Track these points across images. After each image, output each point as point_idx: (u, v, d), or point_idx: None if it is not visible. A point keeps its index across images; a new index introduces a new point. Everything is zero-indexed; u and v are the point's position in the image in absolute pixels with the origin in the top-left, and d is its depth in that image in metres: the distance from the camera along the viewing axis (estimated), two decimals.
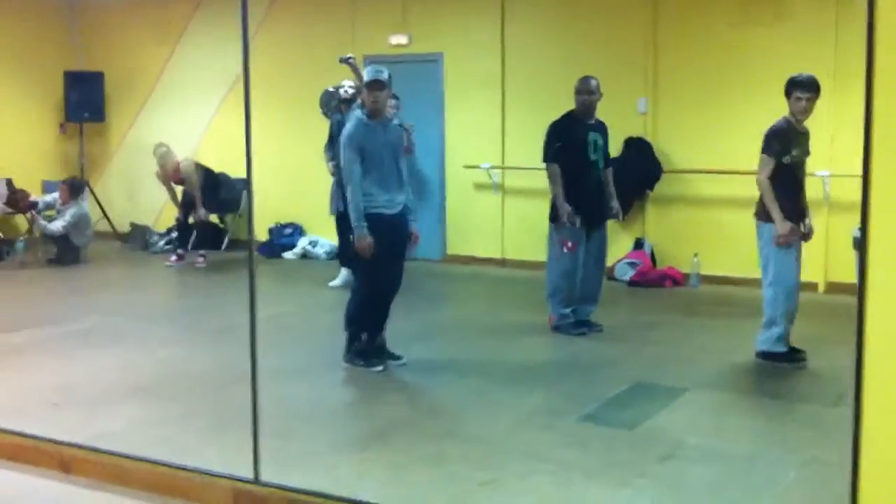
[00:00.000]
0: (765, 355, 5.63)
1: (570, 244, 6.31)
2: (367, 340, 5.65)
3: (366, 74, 5.54)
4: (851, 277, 7.54)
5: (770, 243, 5.54)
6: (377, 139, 5.42)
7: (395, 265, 5.59)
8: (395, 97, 8.55)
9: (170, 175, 9.62)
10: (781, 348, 5.62)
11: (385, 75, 5.42)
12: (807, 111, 5.58)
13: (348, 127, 5.49)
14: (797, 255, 5.61)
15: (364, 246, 5.32)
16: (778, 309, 5.58)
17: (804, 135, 5.68)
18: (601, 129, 6.46)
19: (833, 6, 7.68)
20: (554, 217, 6.38)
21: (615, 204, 6.47)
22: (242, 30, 3.67)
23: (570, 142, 6.31)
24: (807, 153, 5.71)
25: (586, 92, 6.34)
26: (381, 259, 5.41)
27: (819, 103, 7.53)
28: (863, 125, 2.34)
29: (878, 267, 2.39)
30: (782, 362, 5.60)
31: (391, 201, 5.45)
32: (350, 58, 7.58)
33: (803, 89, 5.54)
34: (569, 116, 6.43)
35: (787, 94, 5.62)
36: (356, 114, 5.52)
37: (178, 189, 9.75)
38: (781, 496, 3.82)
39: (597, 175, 6.39)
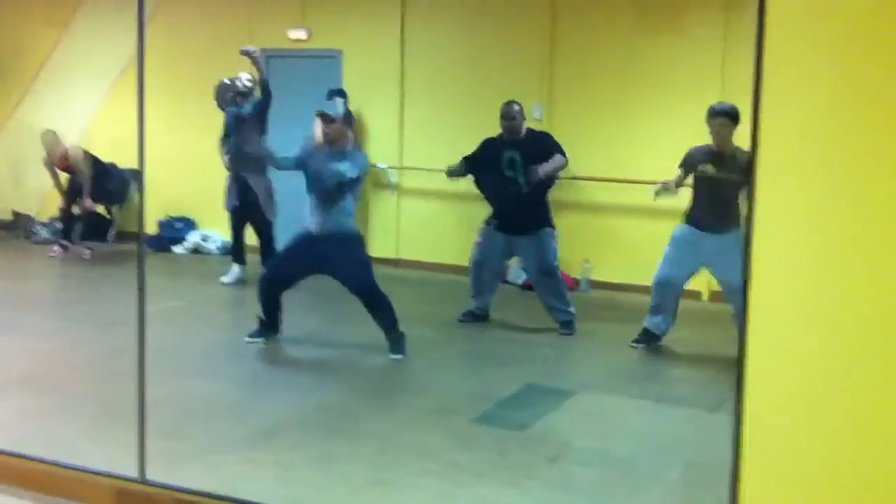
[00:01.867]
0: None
1: (478, 240, 6.93)
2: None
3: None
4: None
5: None
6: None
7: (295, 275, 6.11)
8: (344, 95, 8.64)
9: (56, 162, 9.30)
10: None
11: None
12: (720, 136, 6.10)
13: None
14: (674, 256, 6.15)
15: None
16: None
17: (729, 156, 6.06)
18: (523, 145, 6.71)
19: (722, 19, 7.93)
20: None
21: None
22: (138, 13, 3.56)
23: (486, 160, 6.79)
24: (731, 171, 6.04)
25: (507, 118, 6.75)
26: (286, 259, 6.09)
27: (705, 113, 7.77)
28: (749, 137, 2.43)
29: (760, 275, 2.48)
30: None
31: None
32: (253, 50, 7.46)
33: (711, 116, 6.16)
34: (493, 138, 6.90)
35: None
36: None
37: (64, 177, 9.44)
38: (664, 497, 3.93)
39: (515, 189, 6.67)
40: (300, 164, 6.02)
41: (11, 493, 3.73)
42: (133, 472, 3.68)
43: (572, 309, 6.68)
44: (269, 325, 6.11)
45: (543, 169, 6.60)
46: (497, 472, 4.09)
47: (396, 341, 5.86)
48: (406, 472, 4.03)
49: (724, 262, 5.94)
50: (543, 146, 6.74)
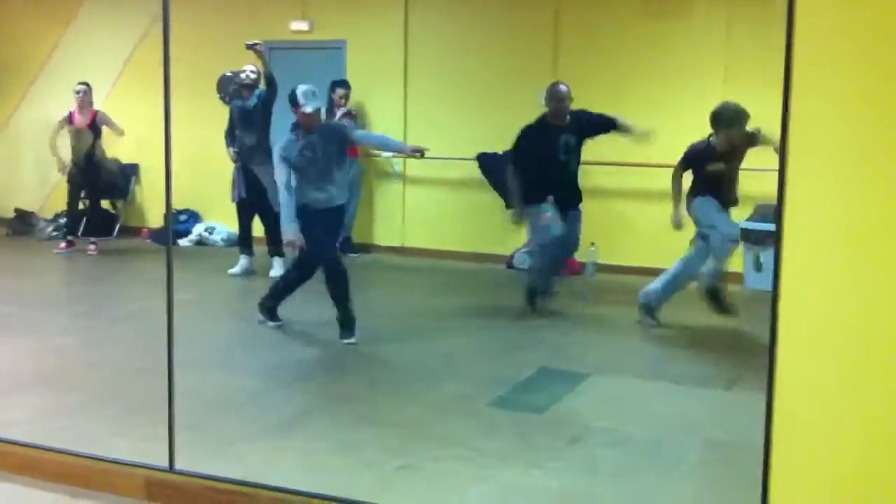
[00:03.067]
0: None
1: (542, 222, 6.66)
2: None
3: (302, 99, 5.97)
4: (738, 267, 7.92)
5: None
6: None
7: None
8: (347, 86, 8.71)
9: (80, 119, 9.20)
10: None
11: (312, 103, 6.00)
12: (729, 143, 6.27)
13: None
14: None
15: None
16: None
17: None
18: (574, 127, 6.68)
19: (725, 4, 7.97)
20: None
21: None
22: (163, 10, 3.59)
23: (538, 147, 6.62)
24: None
25: (557, 99, 6.61)
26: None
27: (709, 99, 7.82)
28: (780, 124, 2.47)
29: (790, 262, 2.52)
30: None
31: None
32: (257, 44, 7.52)
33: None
34: (540, 120, 6.73)
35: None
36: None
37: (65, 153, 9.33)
38: (687, 474, 3.99)
39: (568, 173, 6.72)
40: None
41: (43, 487, 3.78)
42: (163, 462, 3.73)
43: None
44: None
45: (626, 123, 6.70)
46: (519, 454, 4.14)
47: (347, 320, 5.91)
48: (431, 457, 4.07)
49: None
50: (592, 122, 6.73)
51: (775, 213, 2.50)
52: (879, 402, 2.47)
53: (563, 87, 6.65)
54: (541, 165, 6.62)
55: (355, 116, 9.04)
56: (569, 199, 6.71)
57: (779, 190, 2.47)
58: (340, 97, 8.86)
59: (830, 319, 2.50)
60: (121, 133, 9.13)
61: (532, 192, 6.58)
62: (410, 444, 4.24)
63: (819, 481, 2.58)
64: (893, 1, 2.33)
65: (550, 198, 6.61)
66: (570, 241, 6.79)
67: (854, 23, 2.38)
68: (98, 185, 9.29)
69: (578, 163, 6.75)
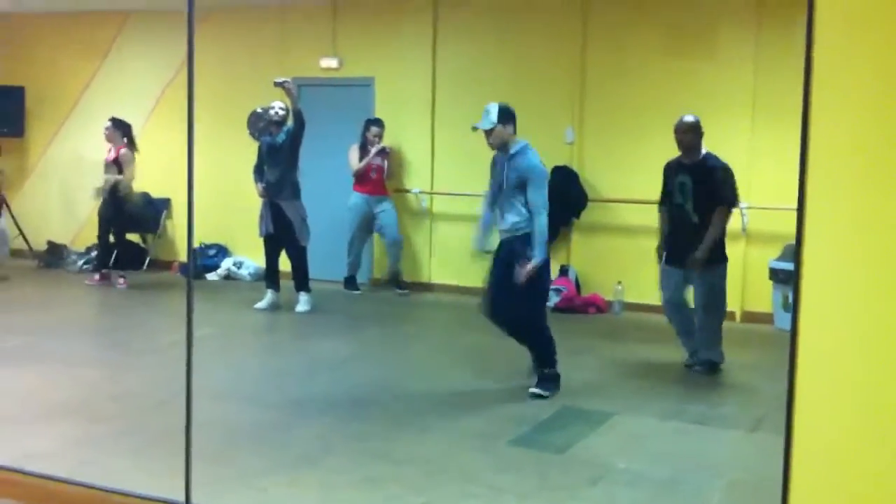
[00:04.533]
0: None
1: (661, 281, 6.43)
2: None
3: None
4: (767, 307, 7.85)
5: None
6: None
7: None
8: (380, 124, 9.00)
9: (110, 152, 9.31)
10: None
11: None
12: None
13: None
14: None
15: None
16: None
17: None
18: (696, 170, 6.15)
19: (752, 42, 7.97)
20: None
21: (698, 251, 6.09)
22: (188, 46, 3.65)
23: (666, 185, 6.38)
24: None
25: (678, 131, 6.20)
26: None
27: (738, 137, 7.84)
28: (781, 159, 2.46)
29: (810, 295, 2.50)
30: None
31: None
32: (286, 81, 7.62)
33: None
34: (677, 157, 6.33)
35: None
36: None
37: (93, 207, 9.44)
38: None
39: (686, 218, 6.17)
40: None
41: None
42: (179, 497, 3.73)
43: (720, 351, 6.27)
44: None
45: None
46: (539, 493, 4.11)
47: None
48: (449, 494, 4.05)
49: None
50: (715, 179, 6.11)
51: (794, 251, 2.49)
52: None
53: (686, 119, 6.21)
54: (667, 207, 6.35)
55: (388, 154, 9.12)
56: (685, 253, 6.19)
57: (798, 223, 2.45)
58: (374, 135, 8.99)
59: (850, 357, 2.47)
60: (129, 179, 9.23)
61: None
62: (429, 480, 4.21)
63: None
64: None
65: (664, 254, 6.39)
66: (697, 299, 6.37)
67: (869, 50, 2.38)
68: (120, 219, 9.35)
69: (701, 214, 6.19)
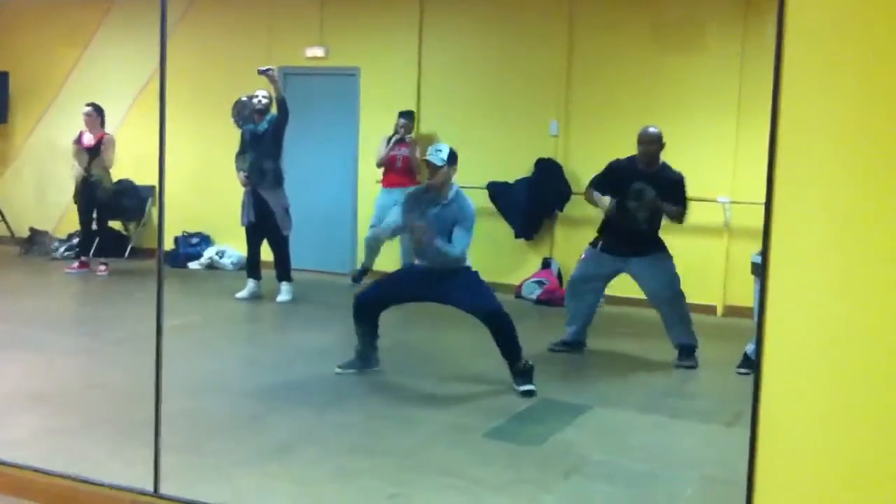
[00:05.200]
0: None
1: (582, 257, 6.67)
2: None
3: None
4: (749, 301, 7.85)
5: None
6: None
7: None
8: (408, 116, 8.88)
9: (89, 139, 9.24)
10: None
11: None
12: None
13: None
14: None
15: None
16: None
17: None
18: (656, 179, 6.29)
19: (739, 38, 7.96)
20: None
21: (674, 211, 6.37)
22: (161, 32, 3.61)
23: (617, 185, 6.38)
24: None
25: (645, 142, 6.32)
26: None
27: (722, 133, 7.84)
28: (766, 154, 2.45)
29: (777, 290, 2.49)
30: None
31: None
32: (269, 69, 7.59)
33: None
34: (623, 161, 6.48)
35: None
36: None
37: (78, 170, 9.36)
38: None
39: (635, 224, 6.33)
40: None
41: None
42: (149, 487, 3.71)
43: (693, 334, 6.38)
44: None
45: (667, 210, 6.31)
46: (514, 486, 4.09)
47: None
48: (425, 486, 4.04)
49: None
50: (675, 190, 6.31)
51: (763, 243, 2.48)
52: (864, 436, 2.42)
53: (653, 130, 6.33)
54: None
55: (415, 145, 8.93)
56: (632, 245, 6.41)
57: (765, 220, 2.45)
58: (400, 126, 8.84)
59: (817, 351, 2.47)
60: (108, 164, 9.15)
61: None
62: (405, 472, 4.20)
63: None
64: (885, 26, 2.31)
65: (601, 243, 6.51)
66: (649, 289, 6.53)
67: (843, 47, 2.37)
68: (93, 205, 9.27)
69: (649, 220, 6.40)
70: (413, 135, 8.97)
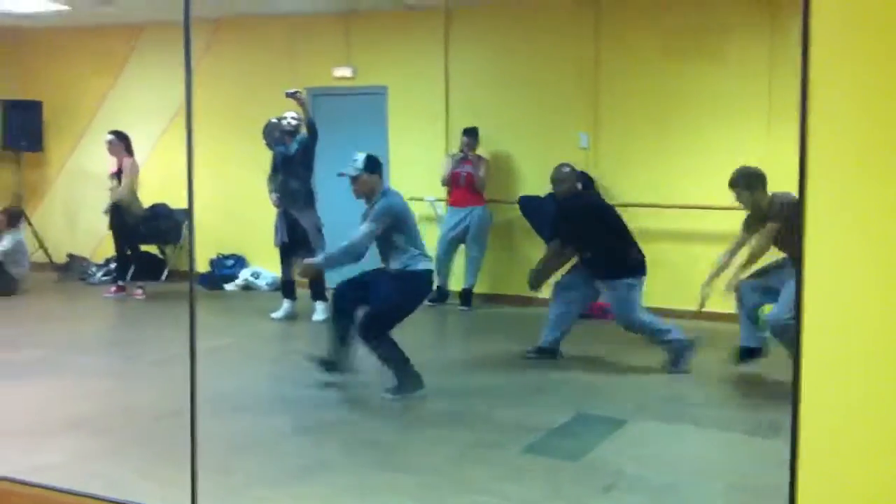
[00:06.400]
0: None
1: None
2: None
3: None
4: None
5: None
6: None
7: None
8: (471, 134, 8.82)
9: (114, 164, 9.32)
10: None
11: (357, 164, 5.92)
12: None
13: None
14: None
15: None
16: None
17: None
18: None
19: (767, 43, 7.89)
20: None
21: None
22: (185, 58, 3.64)
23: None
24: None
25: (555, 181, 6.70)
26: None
27: (753, 138, 7.72)
28: (798, 161, 2.41)
29: (813, 300, 2.44)
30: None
31: None
32: (297, 92, 7.64)
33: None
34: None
35: None
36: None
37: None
38: None
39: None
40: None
41: None
42: None
43: (675, 336, 6.44)
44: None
45: None
46: (549, 502, 4.04)
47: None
48: (456, 503, 4.00)
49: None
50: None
51: (798, 247, 2.42)
52: None
53: (564, 169, 6.69)
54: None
55: (482, 162, 8.86)
56: (601, 267, 6.65)
57: (800, 224, 2.40)
58: (464, 144, 8.78)
59: (856, 355, 2.41)
60: (130, 189, 9.19)
61: None
62: (437, 489, 4.17)
63: None
64: None
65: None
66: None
67: (868, 50, 2.32)
68: (125, 230, 9.35)
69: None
70: (477, 151, 8.88)
